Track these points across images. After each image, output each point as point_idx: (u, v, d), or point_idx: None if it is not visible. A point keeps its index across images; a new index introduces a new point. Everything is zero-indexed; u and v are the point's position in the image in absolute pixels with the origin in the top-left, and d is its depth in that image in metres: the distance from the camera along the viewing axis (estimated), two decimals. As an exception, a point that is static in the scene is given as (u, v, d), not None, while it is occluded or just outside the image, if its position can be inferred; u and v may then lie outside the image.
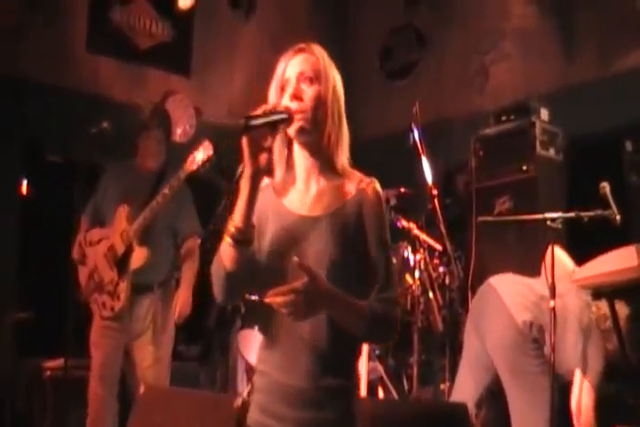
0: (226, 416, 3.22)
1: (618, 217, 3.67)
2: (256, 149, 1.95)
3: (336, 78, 2.14)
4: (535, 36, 6.56)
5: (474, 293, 4.28)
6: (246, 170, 1.96)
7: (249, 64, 7.51)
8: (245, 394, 4.39)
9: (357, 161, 2.17)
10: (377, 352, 4.77)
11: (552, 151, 5.52)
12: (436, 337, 4.74)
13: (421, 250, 4.76)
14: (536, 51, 6.55)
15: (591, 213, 3.72)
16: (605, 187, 3.75)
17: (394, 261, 2.42)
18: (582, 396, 3.66)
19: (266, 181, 2.08)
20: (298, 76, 2.09)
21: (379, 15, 8.02)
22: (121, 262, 4.29)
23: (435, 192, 4.46)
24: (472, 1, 7.08)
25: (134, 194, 4.37)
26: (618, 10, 5.95)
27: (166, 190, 4.21)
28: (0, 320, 5.38)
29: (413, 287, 4.66)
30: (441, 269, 4.85)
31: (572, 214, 3.77)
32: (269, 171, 2.00)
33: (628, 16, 5.89)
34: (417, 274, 4.68)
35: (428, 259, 4.74)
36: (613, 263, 3.69)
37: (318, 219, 2.04)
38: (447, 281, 4.84)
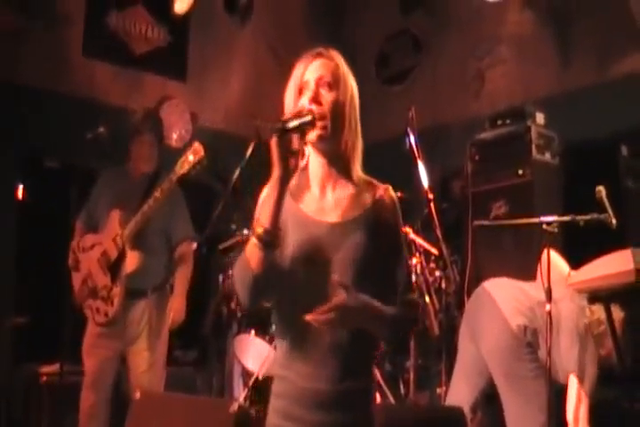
0: (222, 421, 3.22)
1: (614, 221, 3.68)
2: (286, 152, 1.96)
3: (353, 86, 2.15)
4: (531, 42, 6.57)
5: (470, 297, 4.28)
6: (275, 172, 1.96)
7: (245, 69, 7.52)
8: (242, 399, 4.40)
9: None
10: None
11: (548, 155, 5.52)
12: (432, 342, 4.73)
13: (417, 254, 4.76)
14: (532, 56, 6.56)
15: (587, 217, 3.72)
16: (601, 191, 3.76)
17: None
18: (579, 404, 3.66)
19: None
20: (317, 80, 2.09)
21: (375, 21, 8.03)
22: (114, 267, 4.28)
23: (431, 196, 4.46)
24: (468, 7, 7.08)
25: (127, 199, 4.37)
26: (614, 15, 5.96)
27: (158, 193, 4.20)
28: (-3, 325, 5.38)
29: (410, 292, 4.66)
30: (437, 273, 4.85)
31: (567, 218, 3.77)
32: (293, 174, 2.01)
33: (624, 21, 5.90)
34: (413, 278, 4.68)
35: (424, 263, 4.74)
36: (609, 267, 3.70)
37: (340, 225, 2.06)
38: (443, 285, 4.84)
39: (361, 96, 2.19)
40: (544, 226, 3.77)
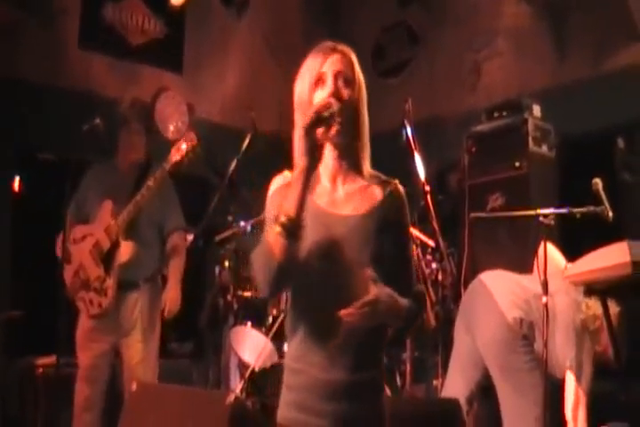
0: (218, 413, 3.22)
1: (610, 214, 3.68)
2: (313, 144, 1.98)
3: (364, 82, 2.18)
4: (528, 35, 6.56)
5: (466, 289, 4.29)
6: (301, 163, 1.99)
7: (241, 61, 7.52)
8: (238, 391, 4.40)
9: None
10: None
11: (545, 148, 5.52)
12: (428, 334, 4.74)
13: (414, 246, 4.76)
14: (528, 49, 6.55)
15: (583, 210, 3.73)
16: (598, 183, 3.76)
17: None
18: (577, 403, 3.67)
19: (287, 175, 2.14)
20: (335, 74, 2.11)
21: (371, 13, 8.01)
22: (107, 258, 4.27)
23: (427, 189, 4.46)
24: (465, -1, 7.10)
25: (118, 189, 4.36)
26: (610, 9, 5.95)
27: (150, 183, 4.20)
28: (-8, 317, 5.37)
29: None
30: (434, 265, 4.85)
31: (564, 211, 3.78)
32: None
33: (621, 15, 5.89)
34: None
35: (420, 255, 4.74)
36: (605, 260, 3.70)
37: (352, 218, 2.09)
38: (440, 278, 4.84)
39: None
40: (540, 218, 3.77)
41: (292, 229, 1.95)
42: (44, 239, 4.53)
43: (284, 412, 2.10)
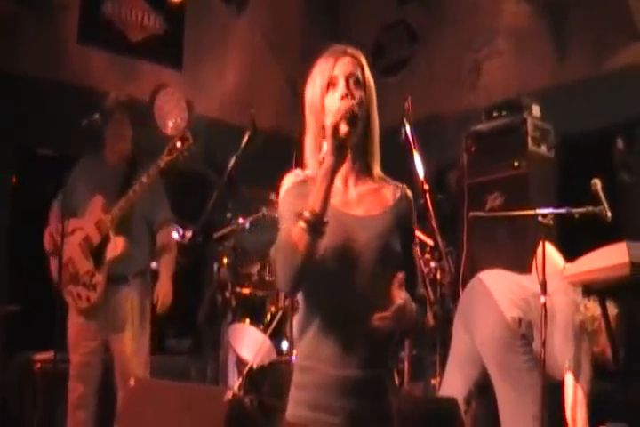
0: (216, 409, 3.22)
1: (609, 214, 3.68)
2: (339, 143, 2.01)
3: (373, 85, 2.22)
4: (527, 34, 6.57)
5: (465, 288, 4.29)
6: (327, 161, 2.01)
7: (241, 58, 7.52)
8: (236, 388, 4.40)
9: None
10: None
11: (544, 148, 5.53)
12: (427, 332, 4.74)
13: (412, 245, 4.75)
14: (528, 48, 6.56)
15: (582, 210, 3.73)
16: (597, 183, 3.76)
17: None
18: (577, 404, 3.68)
19: (300, 174, 2.18)
20: (347, 76, 2.15)
21: (371, 11, 8.01)
22: (97, 253, 4.26)
23: (426, 188, 4.46)
24: (464, -2, 7.10)
25: (107, 183, 4.35)
26: (610, 8, 5.96)
27: (144, 179, 4.19)
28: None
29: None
30: (432, 264, 4.85)
31: (563, 210, 3.78)
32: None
33: (620, 14, 5.90)
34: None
35: (419, 254, 4.73)
36: (604, 260, 3.70)
37: (365, 219, 2.14)
38: (438, 276, 4.85)
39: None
40: (539, 218, 3.77)
41: (317, 225, 1.97)
42: (42, 235, 4.52)
43: (294, 411, 2.11)
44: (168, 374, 4.63)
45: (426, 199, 4.38)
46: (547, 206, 3.93)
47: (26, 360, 5.02)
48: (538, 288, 3.63)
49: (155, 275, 4.54)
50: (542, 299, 3.57)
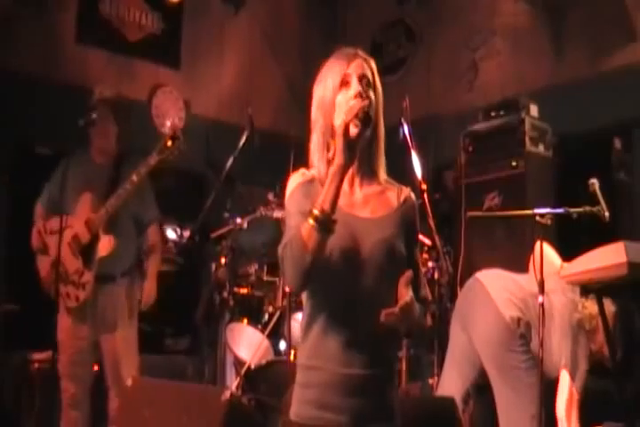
0: (214, 409, 3.22)
1: (606, 214, 3.68)
2: (350, 142, 2.02)
3: (381, 89, 2.24)
4: (525, 34, 6.57)
5: (462, 288, 4.29)
6: (338, 160, 2.02)
7: (238, 57, 7.51)
8: (234, 387, 4.39)
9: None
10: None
11: (541, 147, 5.53)
12: (424, 332, 4.74)
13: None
14: (526, 48, 6.56)
15: (580, 210, 3.73)
16: (595, 183, 3.76)
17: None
18: (571, 401, 3.68)
19: (307, 173, 2.20)
20: (359, 77, 2.18)
21: (369, 10, 8.01)
22: (86, 252, 4.25)
23: (424, 187, 4.46)
24: (462, -3, 7.10)
25: (94, 181, 4.32)
26: (608, 8, 5.96)
27: (134, 178, 4.18)
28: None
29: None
30: (430, 264, 4.85)
31: (560, 210, 3.78)
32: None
33: (618, 14, 5.90)
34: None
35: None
36: (602, 260, 3.69)
37: (370, 221, 2.16)
38: (436, 276, 4.84)
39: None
40: (537, 218, 3.77)
41: (327, 223, 1.98)
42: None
43: (299, 410, 2.12)
44: (166, 374, 4.63)
45: (423, 199, 4.38)
46: (544, 206, 3.93)
47: (23, 360, 5.01)
48: (535, 288, 3.63)
49: (141, 274, 4.53)
50: (540, 298, 3.57)
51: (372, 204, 2.19)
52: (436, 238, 4.51)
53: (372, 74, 2.21)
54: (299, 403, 2.13)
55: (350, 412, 2.06)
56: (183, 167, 4.35)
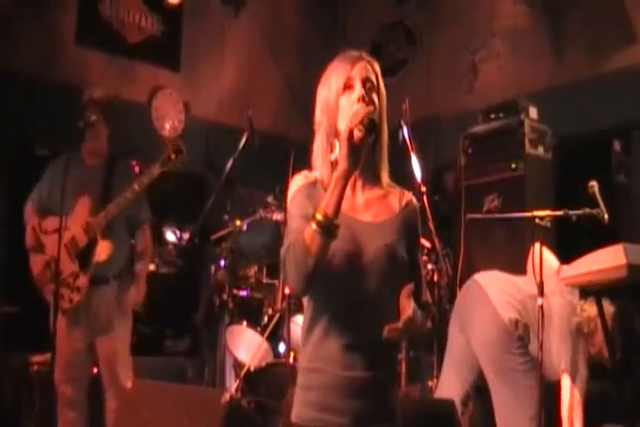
0: (214, 411, 3.22)
1: (606, 216, 3.68)
2: (355, 147, 2.02)
3: (384, 93, 2.25)
4: (525, 35, 6.57)
5: (461, 289, 4.28)
6: (342, 165, 2.02)
7: (238, 59, 7.51)
8: (233, 390, 4.39)
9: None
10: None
11: (541, 149, 5.53)
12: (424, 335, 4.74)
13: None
14: (526, 50, 6.57)
15: (579, 212, 3.73)
16: (594, 186, 3.76)
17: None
18: (574, 405, 3.68)
19: (309, 175, 2.20)
20: (364, 80, 2.18)
21: (369, 12, 8.02)
22: (82, 255, 4.23)
23: (424, 189, 4.46)
24: (462, -1, 7.11)
25: (86, 183, 4.29)
26: (607, 10, 5.96)
27: (136, 187, 4.17)
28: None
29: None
30: (429, 266, 4.84)
31: (560, 213, 3.78)
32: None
33: (618, 16, 5.91)
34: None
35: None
36: (601, 262, 3.69)
37: (372, 225, 2.17)
38: (435, 278, 4.84)
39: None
40: (536, 220, 3.77)
41: (330, 228, 1.99)
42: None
43: (301, 412, 2.13)
44: (165, 376, 4.63)
45: (423, 201, 4.38)
46: (544, 208, 3.93)
47: (23, 361, 5.01)
48: (534, 290, 3.63)
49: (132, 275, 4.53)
50: (539, 301, 3.57)
51: (374, 208, 2.19)
52: (436, 240, 4.51)
53: (376, 77, 2.21)
54: (300, 405, 2.14)
55: (351, 414, 2.07)
56: (183, 169, 4.33)
